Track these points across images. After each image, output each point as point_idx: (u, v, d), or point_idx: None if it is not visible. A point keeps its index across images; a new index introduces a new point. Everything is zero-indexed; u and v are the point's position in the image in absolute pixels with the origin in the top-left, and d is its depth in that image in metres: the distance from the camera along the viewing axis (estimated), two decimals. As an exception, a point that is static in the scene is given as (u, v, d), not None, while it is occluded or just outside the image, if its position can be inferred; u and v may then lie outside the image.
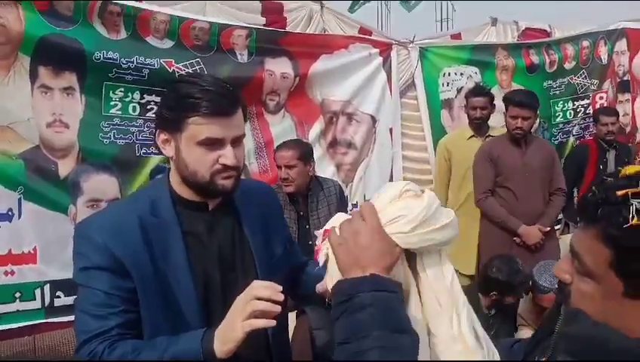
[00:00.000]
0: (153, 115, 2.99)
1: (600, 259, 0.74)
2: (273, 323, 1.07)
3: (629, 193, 0.70)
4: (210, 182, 1.23)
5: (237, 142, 1.25)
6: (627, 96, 5.09)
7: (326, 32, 3.76)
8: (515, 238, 3.32)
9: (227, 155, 1.22)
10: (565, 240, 3.59)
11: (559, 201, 3.46)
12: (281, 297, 1.07)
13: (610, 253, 0.73)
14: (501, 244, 3.30)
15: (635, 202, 0.69)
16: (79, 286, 1.22)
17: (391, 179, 3.99)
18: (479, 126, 3.70)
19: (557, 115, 4.77)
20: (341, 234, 0.85)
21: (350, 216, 0.89)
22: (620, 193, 0.70)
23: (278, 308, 1.07)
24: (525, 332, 2.93)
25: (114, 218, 1.26)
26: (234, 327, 1.09)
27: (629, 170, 0.75)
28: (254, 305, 1.07)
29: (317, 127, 3.66)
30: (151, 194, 1.30)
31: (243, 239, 1.33)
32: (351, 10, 8.23)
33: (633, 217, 0.69)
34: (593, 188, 0.76)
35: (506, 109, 3.34)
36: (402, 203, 0.87)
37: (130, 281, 1.19)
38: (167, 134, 1.25)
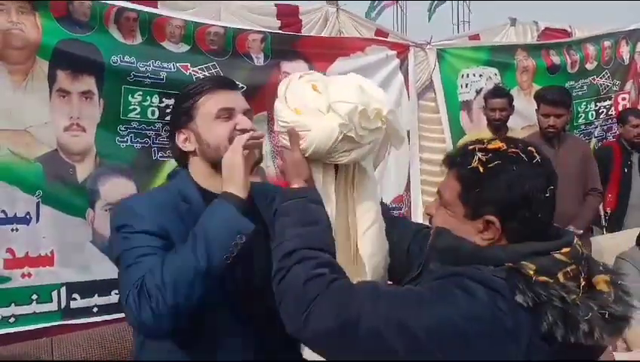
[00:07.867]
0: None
1: (453, 192, 1.09)
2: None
3: (476, 148, 1.07)
4: None
5: (247, 113, 1.37)
6: (650, 97, 4.96)
7: (342, 34, 3.73)
8: None
9: (242, 121, 1.34)
10: (596, 240, 3.44)
11: (594, 202, 3.30)
12: (261, 133, 1.34)
13: (459, 186, 1.08)
14: None
15: (478, 154, 1.06)
16: (123, 252, 1.22)
17: (408, 182, 3.95)
18: (498, 128, 3.64)
19: (579, 116, 4.66)
20: (284, 162, 1.28)
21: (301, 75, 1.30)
22: (470, 147, 1.09)
23: (261, 141, 1.34)
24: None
25: (152, 199, 1.35)
26: (234, 164, 1.25)
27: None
28: (241, 139, 1.27)
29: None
30: (178, 186, 1.37)
31: (260, 236, 1.33)
32: (367, 16, 8.25)
33: (475, 162, 1.05)
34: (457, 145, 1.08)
35: (538, 107, 3.21)
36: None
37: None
38: (185, 131, 1.36)
